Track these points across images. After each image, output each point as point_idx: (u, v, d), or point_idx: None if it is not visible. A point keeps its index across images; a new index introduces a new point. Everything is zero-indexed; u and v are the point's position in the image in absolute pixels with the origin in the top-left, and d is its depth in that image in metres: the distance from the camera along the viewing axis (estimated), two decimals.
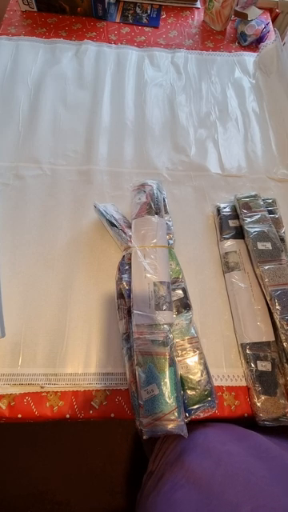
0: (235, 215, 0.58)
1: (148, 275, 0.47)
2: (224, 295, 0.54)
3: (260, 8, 0.84)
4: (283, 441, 0.42)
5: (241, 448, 0.39)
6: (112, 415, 0.45)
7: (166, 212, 0.57)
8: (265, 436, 0.41)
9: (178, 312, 0.49)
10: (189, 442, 0.41)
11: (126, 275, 0.50)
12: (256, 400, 0.45)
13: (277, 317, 0.46)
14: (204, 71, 0.80)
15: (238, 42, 0.86)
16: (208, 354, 0.48)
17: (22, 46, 0.78)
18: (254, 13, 0.82)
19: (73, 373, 0.46)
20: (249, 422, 0.45)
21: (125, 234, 0.52)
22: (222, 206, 0.59)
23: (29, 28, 0.82)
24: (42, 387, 0.45)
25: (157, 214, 0.53)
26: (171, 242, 0.54)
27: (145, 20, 0.87)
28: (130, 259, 0.50)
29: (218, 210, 0.59)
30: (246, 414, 0.46)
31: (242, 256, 0.54)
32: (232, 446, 0.40)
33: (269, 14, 0.90)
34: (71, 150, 0.66)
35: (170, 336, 0.44)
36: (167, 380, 0.41)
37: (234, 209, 0.58)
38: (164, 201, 0.58)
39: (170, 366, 0.42)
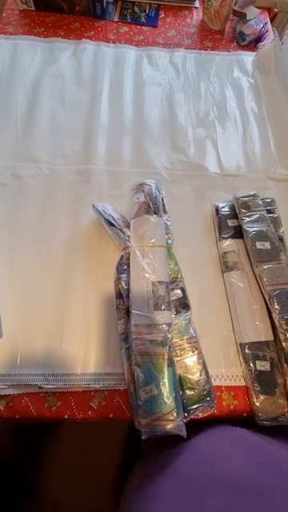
0: (234, 215, 0.58)
1: (146, 275, 0.47)
2: (223, 295, 0.53)
3: (258, 7, 0.84)
4: (272, 436, 0.43)
5: (226, 444, 0.41)
6: (111, 416, 0.45)
7: (165, 211, 0.57)
8: (251, 432, 0.43)
9: (177, 312, 0.48)
10: (179, 446, 0.42)
11: (124, 275, 0.50)
12: (255, 400, 0.45)
13: (275, 316, 0.46)
14: (202, 70, 0.80)
15: (237, 42, 0.86)
16: (207, 354, 0.48)
17: (19, 45, 0.78)
18: (252, 12, 0.82)
19: (71, 373, 0.46)
20: (248, 421, 0.45)
21: (123, 233, 0.52)
22: (220, 205, 0.59)
23: (27, 27, 0.82)
24: (40, 388, 0.45)
25: (155, 213, 0.53)
26: (170, 241, 0.54)
27: (143, 19, 0.87)
28: (129, 259, 0.50)
29: (217, 210, 0.59)
30: (244, 414, 0.46)
31: (240, 255, 0.53)
32: (219, 444, 0.41)
33: (267, 14, 0.90)
34: (69, 150, 0.65)
35: (169, 336, 0.44)
36: (166, 380, 0.41)
37: (232, 208, 0.58)
38: (162, 200, 0.58)
39: (168, 366, 0.42)
